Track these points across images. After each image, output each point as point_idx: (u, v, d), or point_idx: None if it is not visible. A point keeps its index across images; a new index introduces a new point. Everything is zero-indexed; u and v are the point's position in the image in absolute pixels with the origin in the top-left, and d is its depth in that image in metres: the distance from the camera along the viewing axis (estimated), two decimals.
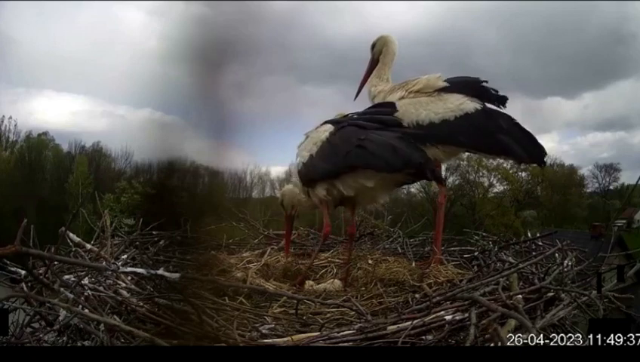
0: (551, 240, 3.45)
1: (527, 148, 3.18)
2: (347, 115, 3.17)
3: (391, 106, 3.25)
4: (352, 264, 3.33)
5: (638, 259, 3.02)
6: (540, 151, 3.23)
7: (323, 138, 2.97)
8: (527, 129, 3.26)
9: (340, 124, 3.00)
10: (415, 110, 3.25)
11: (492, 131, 3.17)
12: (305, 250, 4.02)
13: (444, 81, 3.35)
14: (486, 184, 31.31)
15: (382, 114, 3.10)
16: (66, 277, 2.47)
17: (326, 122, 3.11)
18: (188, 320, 1.93)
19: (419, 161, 2.71)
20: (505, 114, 3.30)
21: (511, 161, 3.48)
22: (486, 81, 3.35)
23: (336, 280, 3.13)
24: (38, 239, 2.63)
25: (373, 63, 3.69)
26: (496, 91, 3.33)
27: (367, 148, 2.74)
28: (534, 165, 3.40)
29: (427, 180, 3.08)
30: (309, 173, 3.05)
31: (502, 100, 3.32)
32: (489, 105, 3.32)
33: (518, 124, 3.24)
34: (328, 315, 2.39)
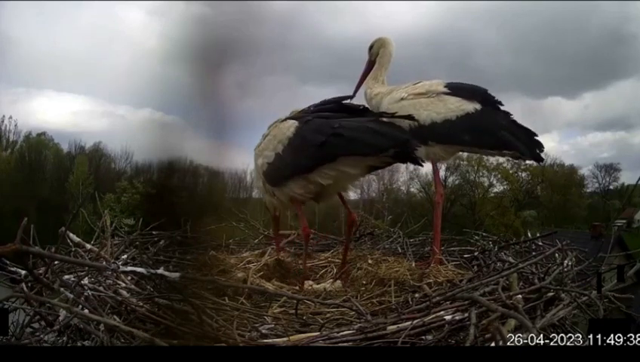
0: (551, 240, 3.45)
1: (527, 144, 3.23)
2: (302, 109, 3.09)
3: (348, 98, 3.23)
4: (352, 264, 3.33)
5: (638, 259, 3.02)
6: (539, 146, 3.27)
7: (289, 135, 2.87)
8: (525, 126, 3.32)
9: (304, 118, 2.92)
10: (416, 110, 3.27)
11: (494, 129, 3.22)
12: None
13: (445, 87, 3.38)
14: (486, 184, 31.32)
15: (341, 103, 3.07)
16: (66, 277, 2.47)
17: (286, 119, 3.02)
18: (188, 320, 1.93)
19: (404, 137, 2.69)
20: (502, 111, 3.33)
21: (511, 161, 3.52)
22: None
23: (336, 280, 3.13)
24: (39, 239, 2.63)
25: (370, 65, 3.71)
26: (493, 96, 3.37)
27: (344, 135, 2.68)
28: (534, 164, 3.45)
29: (411, 161, 2.94)
30: (279, 172, 2.96)
31: (498, 104, 3.37)
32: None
33: (515, 121, 3.30)
34: (328, 315, 2.39)
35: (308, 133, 2.81)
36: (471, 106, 3.27)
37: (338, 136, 2.69)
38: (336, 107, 2.99)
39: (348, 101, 3.16)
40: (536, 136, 3.29)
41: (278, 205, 3.26)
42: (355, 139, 2.67)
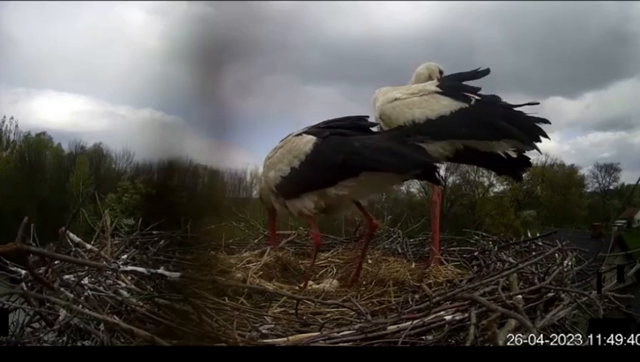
0: (551, 240, 3.45)
1: (526, 131, 3.17)
2: (314, 125, 3.09)
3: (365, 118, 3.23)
4: (352, 264, 3.33)
5: (638, 259, 3.02)
6: (539, 132, 3.20)
7: (307, 150, 2.88)
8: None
9: (321, 133, 2.93)
10: (409, 109, 3.28)
11: (490, 119, 3.18)
12: (305, 250, 4.01)
13: (438, 87, 3.39)
14: (486, 184, 31.33)
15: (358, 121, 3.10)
16: (66, 276, 2.47)
17: (301, 133, 3.01)
18: (188, 320, 1.93)
19: (425, 160, 2.71)
20: (497, 100, 3.30)
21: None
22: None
23: (334, 281, 3.13)
24: (39, 239, 2.63)
25: None
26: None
27: (365, 156, 2.71)
28: (534, 164, 3.43)
29: (430, 180, 3.02)
30: (293, 186, 2.97)
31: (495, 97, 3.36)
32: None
33: (511, 107, 3.23)
34: (328, 315, 2.39)
35: (327, 150, 2.83)
36: (464, 103, 3.26)
37: (359, 155, 2.72)
38: (349, 125, 3.01)
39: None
40: (536, 122, 3.20)
41: (282, 214, 3.28)
42: (376, 160, 2.70)
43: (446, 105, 3.24)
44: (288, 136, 3.10)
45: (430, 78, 3.71)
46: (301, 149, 2.91)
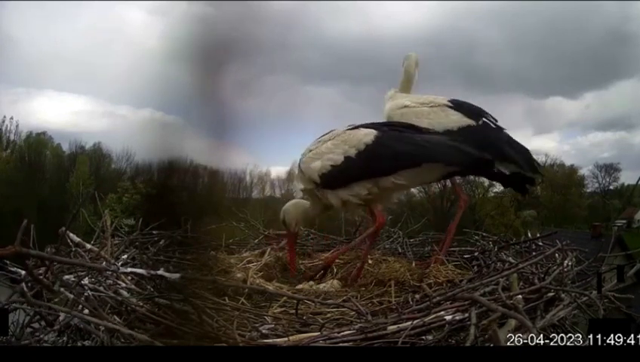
0: (551, 241, 3.45)
1: (526, 160, 3.30)
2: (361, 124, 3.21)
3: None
4: (352, 264, 3.33)
5: (638, 259, 3.02)
6: (536, 163, 3.37)
7: (367, 141, 2.99)
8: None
9: (380, 128, 3.06)
10: (417, 119, 3.31)
11: (495, 142, 3.26)
12: (305, 250, 4.02)
13: (449, 101, 3.43)
14: (486, 184, 31.26)
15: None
16: (66, 277, 2.46)
17: (357, 127, 3.12)
18: (188, 320, 1.93)
19: (483, 155, 2.92)
20: (503, 130, 3.40)
21: None
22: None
23: (334, 281, 3.13)
24: (39, 239, 2.63)
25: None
26: (495, 120, 3.43)
27: (428, 148, 2.89)
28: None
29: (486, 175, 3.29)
30: (344, 174, 3.04)
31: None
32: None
33: (514, 140, 3.37)
34: (328, 315, 2.39)
35: (391, 141, 2.98)
36: (472, 120, 3.31)
37: (425, 147, 2.89)
38: (401, 124, 3.20)
39: None
40: (532, 156, 3.39)
41: (313, 211, 3.35)
42: (441, 153, 2.89)
43: (455, 121, 3.31)
44: (331, 131, 3.21)
45: (415, 67, 3.70)
46: (360, 140, 3.02)
